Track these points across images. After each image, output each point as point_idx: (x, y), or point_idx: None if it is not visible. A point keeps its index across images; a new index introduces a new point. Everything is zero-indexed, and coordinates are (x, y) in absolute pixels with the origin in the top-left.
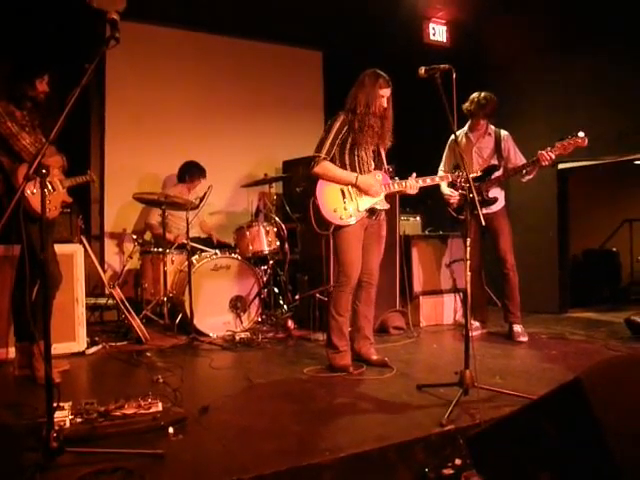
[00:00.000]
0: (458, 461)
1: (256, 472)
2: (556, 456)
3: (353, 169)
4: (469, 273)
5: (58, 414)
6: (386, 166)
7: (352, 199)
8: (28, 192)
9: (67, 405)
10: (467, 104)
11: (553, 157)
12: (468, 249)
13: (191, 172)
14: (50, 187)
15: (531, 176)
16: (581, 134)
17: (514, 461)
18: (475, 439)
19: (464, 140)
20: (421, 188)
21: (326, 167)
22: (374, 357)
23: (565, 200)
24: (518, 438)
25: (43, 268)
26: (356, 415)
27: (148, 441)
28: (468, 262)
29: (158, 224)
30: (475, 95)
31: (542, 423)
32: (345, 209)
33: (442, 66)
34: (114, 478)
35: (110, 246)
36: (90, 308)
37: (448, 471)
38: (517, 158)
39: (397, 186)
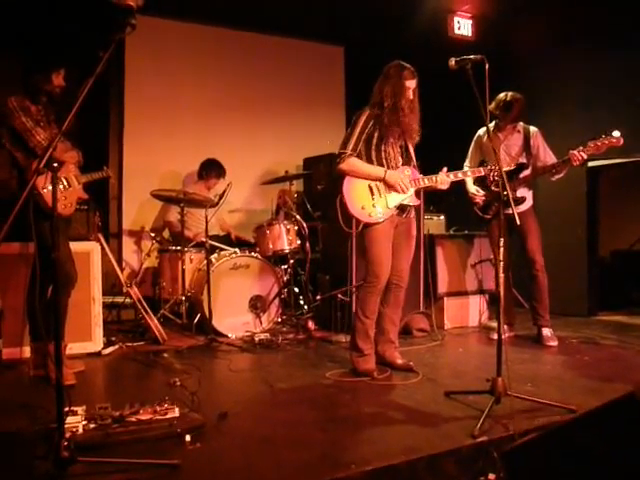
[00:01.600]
0: (492, 476)
1: None
2: (604, 475)
3: (380, 165)
4: (502, 275)
5: (71, 419)
6: (415, 161)
7: (381, 195)
8: (42, 189)
9: (80, 409)
10: (493, 106)
11: (585, 157)
12: (501, 249)
13: (208, 170)
14: (65, 183)
15: (561, 175)
16: (616, 134)
17: (554, 479)
18: (512, 453)
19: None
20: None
21: (353, 163)
22: (399, 361)
23: (595, 199)
24: (561, 454)
25: (54, 267)
26: (382, 424)
27: (163, 450)
28: (501, 263)
29: (177, 222)
30: (501, 97)
31: (590, 439)
32: (374, 206)
33: (474, 57)
34: None
35: (128, 244)
36: (107, 307)
37: None
38: (547, 156)
39: (427, 181)
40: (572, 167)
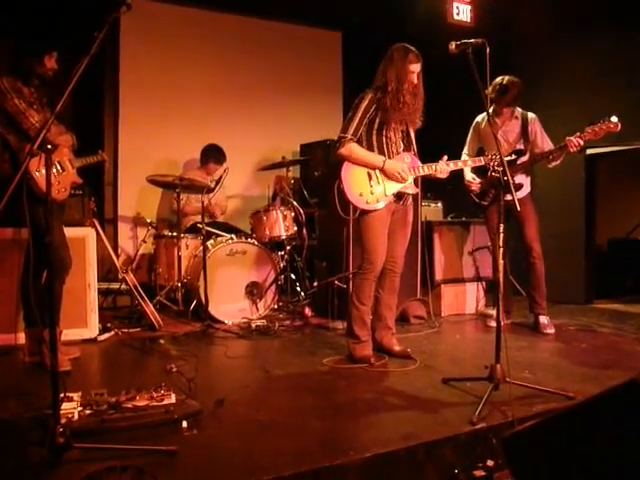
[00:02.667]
0: (490, 462)
1: (275, 473)
2: (604, 463)
3: (381, 150)
4: (502, 261)
5: (66, 406)
6: (414, 147)
7: (379, 182)
8: (35, 172)
9: (76, 395)
10: (489, 90)
11: (582, 143)
12: (501, 235)
13: (207, 155)
14: (59, 167)
15: (557, 162)
16: (614, 119)
17: (554, 466)
18: (511, 440)
19: (488, 123)
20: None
21: (352, 149)
22: (396, 348)
23: (593, 187)
24: (561, 441)
25: (48, 252)
26: (380, 411)
27: (160, 436)
28: (501, 249)
29: (182, 207)
30: (497, 81)
31: (591, 427)
32: (372, 193)
33: (474, 40)
34: (124, 476)
35: (124, 230)
36: (103, 293)
37: (479, 472)
38: (544, 143)
39: (427, 169)
40: (569, 154)
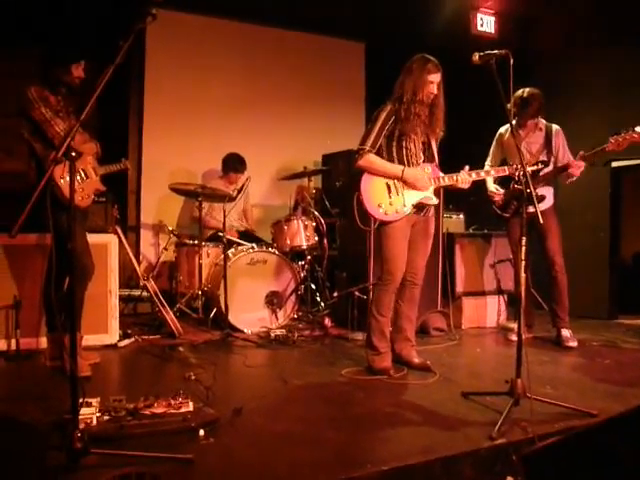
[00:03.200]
0: (510, 479)
1: None
2: None
3: (401, 162)
4: (523, 275)
5: (85, 411)
6: (436, 159)
7: (398, 194)
8: (60, 179)
9: (95, 401)
10: (511, 103)
11: (581, 168)
12: (524, 248)
13: (228, 165)
14: (83, 174)
15: (573, 178)
16: (638, 129)
17: None
18: (532, 456)
19: (511, 135)
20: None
21: (370, 160)
22: (416, 360)
23: (619, 200)
24: (583, 459)
25: (70, 258)
26: (398, 424)
27: (177, 444)
28: (523, 262)
29: (204, 216)
30: (518, 94)
31: (614, 445)
32: (391, 204)
33: (498, 52)
34: None
35: (146, 237)
36: (124, 300)
37: None
38: (565, 157)
39: (448, 180)
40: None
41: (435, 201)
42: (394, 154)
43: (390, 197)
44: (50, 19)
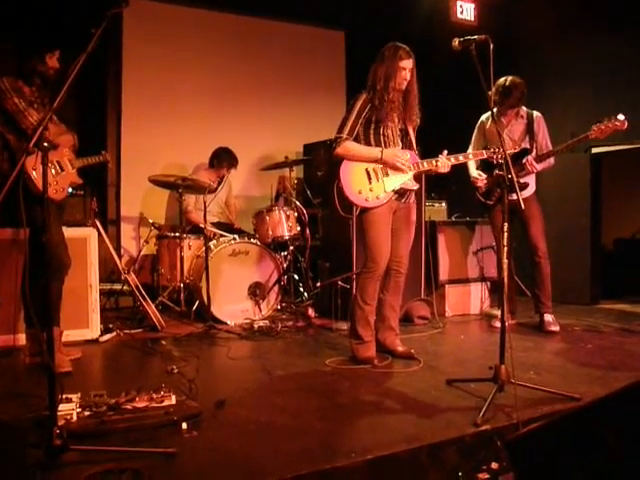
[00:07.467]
0: (494, 464)
1: (276, 475)
2: (613, 468)
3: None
4: (506, 261)
5: (65, 407)
6: (415, 147)
7: (378, 179)
8: (32, 172)
9: (75, 397)
10: (492, 91)
11: (536, 168)
12: (506, 235)
13: (220, 159)
14: (58, 167)
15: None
16: (621, 117)
17: (561, 470)
18: (516, 442)
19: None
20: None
21: (348, 147)
22: (400, 348)
23: (598, 186)
24: (568, 443)
25: (43, 252)
26: (383, 413)
27: (160, 438)
28: (505, 249)
29: (193, 209)
30: (500, 82)
31: (598, 428)
32: (371, 190)
33: (477, 37)
34: (122, 479)
35: (127, 231)
36: (105, 294)
37: (483, 475)
38: (544, 143)
39: (427, 165)
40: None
41: (415, 185)
42: (372, 141)
43: (370, 183)
44: (23, 9)
